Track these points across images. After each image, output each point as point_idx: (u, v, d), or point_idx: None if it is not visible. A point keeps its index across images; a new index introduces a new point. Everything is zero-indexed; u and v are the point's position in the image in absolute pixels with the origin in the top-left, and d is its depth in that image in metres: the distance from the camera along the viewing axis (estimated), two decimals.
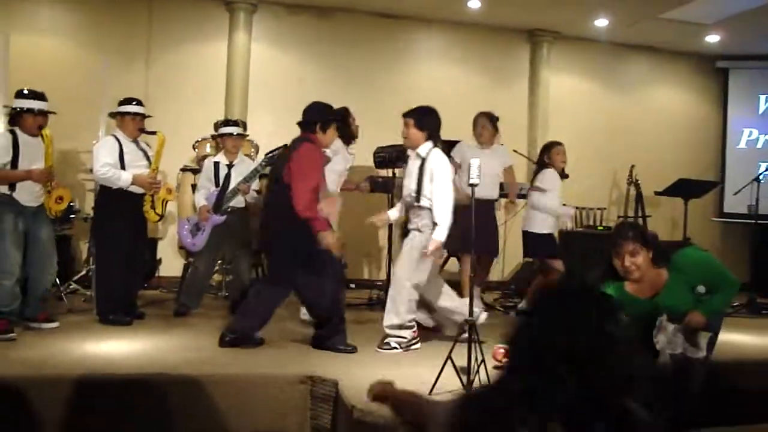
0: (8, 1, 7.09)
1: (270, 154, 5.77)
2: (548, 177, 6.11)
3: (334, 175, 5.52)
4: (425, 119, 4.82)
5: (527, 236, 6.21)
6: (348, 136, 5.78)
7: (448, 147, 6.35)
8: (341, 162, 5.68)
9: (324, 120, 4.75)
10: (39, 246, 4.92)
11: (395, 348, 4.69)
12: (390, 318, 4.74)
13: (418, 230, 4.75)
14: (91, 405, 3.64)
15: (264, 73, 7.75)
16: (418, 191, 4.71)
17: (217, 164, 5.84)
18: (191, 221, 5.77)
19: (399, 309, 4.71)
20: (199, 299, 5.82)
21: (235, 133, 5.88)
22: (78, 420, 3.58)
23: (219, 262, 6.44)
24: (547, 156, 6.19)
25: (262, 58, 7.78)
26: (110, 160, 5.18)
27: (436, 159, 4.72)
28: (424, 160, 4.74)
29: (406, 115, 4.89)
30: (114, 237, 5.20)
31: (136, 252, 5.39)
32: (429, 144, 4.79)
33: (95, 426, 3.60)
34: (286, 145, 5.65)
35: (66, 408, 3.58)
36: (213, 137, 6.20)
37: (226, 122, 5.96)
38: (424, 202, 4.71)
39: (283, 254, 4.60)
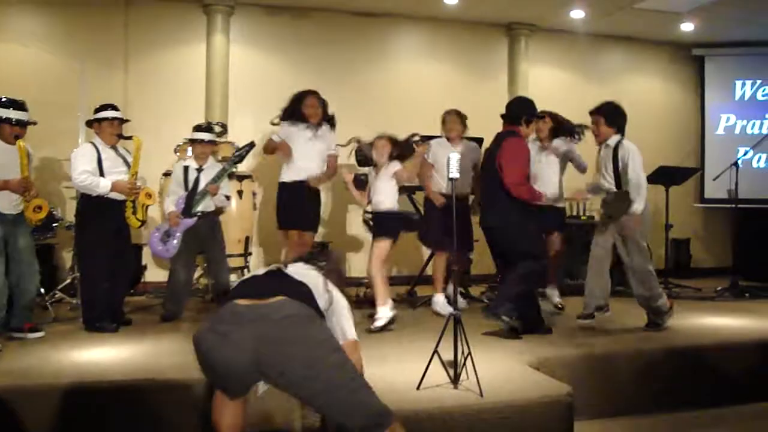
0: None
1: (237, 153, 5.79)
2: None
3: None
4: (615, 116, 5.36)
5: None
6: (299, 118, 5.96)
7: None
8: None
9: (528, 114, 5.19)
10: (19, 254, 4.89)
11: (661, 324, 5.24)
12: (656, 302, 5.22)
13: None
14: (79, 413, 3.62)
15: (243, 74, 7.74)
16: (617, 178, 5.26)
17: (186, 168, 5.81)
18: (161, 229, 5.73)
19: (654, 290, 5.20)
20: (182, 306, 5.80)
21: (206, 140, 5.86)
22: (66, 429, 3.57)
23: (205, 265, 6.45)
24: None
25: (241, 59, 7.77)
26: (88, 167, 5.15)
27: (626, 147, 5.26)
28: (615, 150, 5.26)
29: (594, 113, 5.43)
30: (97, 244, 5.18)
31: (120, 258, 5.36)
32: (617, 136, 5.34)
33: None
34: (252, 143, 5.74)
35: (53, 417, 3.56)
36: (185, 141, 6.17)
37: (197, 127, 5.94)
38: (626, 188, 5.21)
39: (503, 236, 5.09)
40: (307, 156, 5.91)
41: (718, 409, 4.54)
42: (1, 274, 4.75)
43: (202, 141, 5.81)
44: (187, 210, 5.65)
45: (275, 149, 5.98)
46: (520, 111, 5.22)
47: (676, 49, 9.43)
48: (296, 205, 5.89)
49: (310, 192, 5.93)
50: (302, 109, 5.93)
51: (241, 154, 5.78)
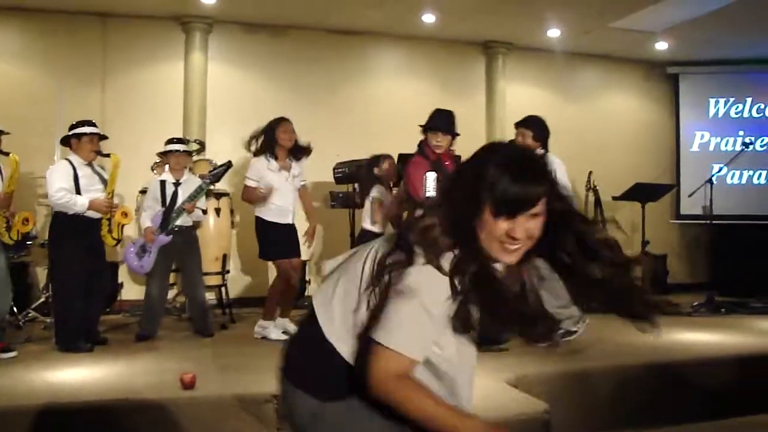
0: None
1: (213, 171, 5.77)
2: None
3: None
4: (542, 130, 5.28)
5: None
6: (271, 148, 5.65)
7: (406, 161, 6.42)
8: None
9: (425, 125, 5.03)
10: None
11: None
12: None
13: None
14: None
15: (221, 92, 7.73)
16: None
17: (163, 183, 5.77)
18: (137, 243, 5.68)
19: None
20: (157, 324, 5.72)
21: (181, 150, 5.84)
22: None
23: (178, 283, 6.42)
24: None
25: (220, 77, 7.76)
26: (65, 185, 5.10)
27: (551, 160, 4.99)
28: None
29: (520, 125, 5.30)
30: (71, 262, 5.11)
31: (95, 277, 5.30)
32: (541, 151, 5.17)
33: None
34: (230, 162, 5.70)
35: None
36: (158, 155, 6.14)
37: (171, 140, 5.91)
38: None
39: None
40: (287, 197, 5.72)
41: (695, 424, 4.56)
42: None
43: (177, 152, 5.79)
44: (165, 226, 5.61)
45: (259, 198, 5.62)
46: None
47: (651, 67, 9.56)
48: (286, 241, 5.70)
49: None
50: (277, 135, 5.63)
51: (217, 174, 5.76)
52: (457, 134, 5.11)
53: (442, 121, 5.02)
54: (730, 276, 8.04)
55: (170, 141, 5.89)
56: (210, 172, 5.85)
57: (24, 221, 5.00)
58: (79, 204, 5.11)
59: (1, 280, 4.89)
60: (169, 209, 5.64)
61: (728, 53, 8.98)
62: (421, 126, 5.06)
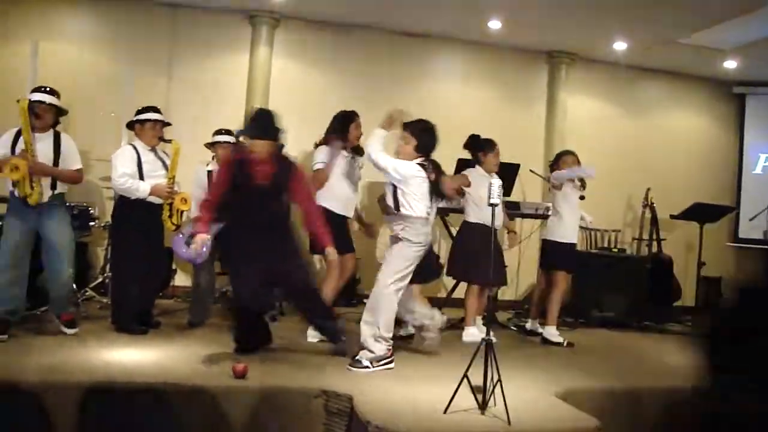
0: (38, 9, 7.20)
1: None
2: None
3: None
4: (419, 132, 4.83)
5: (547, 245, 6.19)
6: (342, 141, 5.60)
7: (465, 166, 6.40)
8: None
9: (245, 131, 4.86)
10: (52, 239, 4.92)
11: (367, 366, 4.48)
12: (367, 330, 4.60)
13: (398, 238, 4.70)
14: (103, 413, 3.66)
15: (284, 86, 7.81)
16: (395, 203, 4.75)
17: (210, 173, 5.84)
18: (186, 234, 5.68)
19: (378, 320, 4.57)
20: (207, 312, 5.81)
21: (230, 141, 5.88)
22: (89, 427, 3.60)
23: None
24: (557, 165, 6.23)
25: (283, 72, 7.84)
26: (128, 170, 5.23)
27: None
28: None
29: (404, 126, 4.86)
30: (130, 246, 5.24)
31: (152, 261, 5.41)
32: (411, 154, 4.81)
33: None
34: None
35: (78, 415, 3.60)
36: (206, 145, 6.19)
37: (219, 131, 5.98)
38: (402, 211, 4.70)
39: None
40: (354, 188, 5.75)
41: None
42: (16, 264, 4.80)
43: (227, 143, 5.86)
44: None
45: (325, 178, 5.50)
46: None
47: (716, 86, 9.33)
48: (344, 235, 5.66)
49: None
50: (350, 129, 5.66)
51: None
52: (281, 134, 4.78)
53: (261, 128, 4.68)
54: None
55: (218, 132, 5.96)
56: None
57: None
58: (141, 189, 5.23)
59: (59, 245, 4.95)
60: None
61: None
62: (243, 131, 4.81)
